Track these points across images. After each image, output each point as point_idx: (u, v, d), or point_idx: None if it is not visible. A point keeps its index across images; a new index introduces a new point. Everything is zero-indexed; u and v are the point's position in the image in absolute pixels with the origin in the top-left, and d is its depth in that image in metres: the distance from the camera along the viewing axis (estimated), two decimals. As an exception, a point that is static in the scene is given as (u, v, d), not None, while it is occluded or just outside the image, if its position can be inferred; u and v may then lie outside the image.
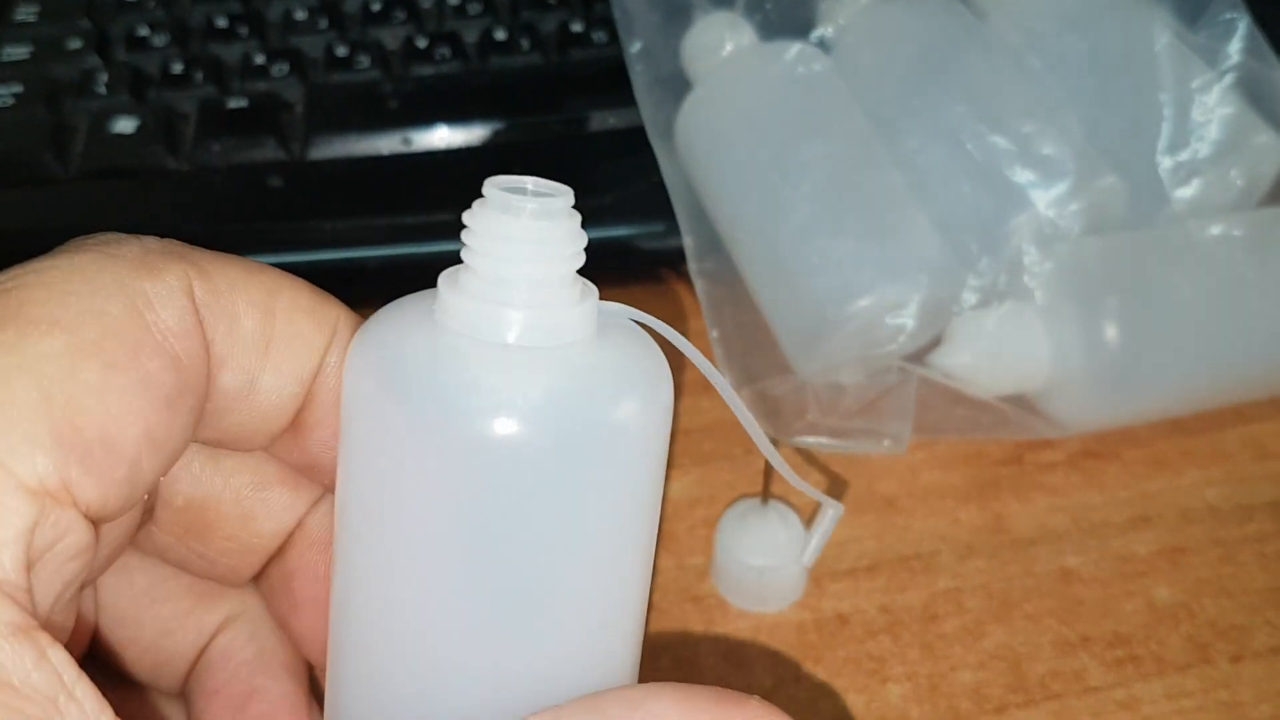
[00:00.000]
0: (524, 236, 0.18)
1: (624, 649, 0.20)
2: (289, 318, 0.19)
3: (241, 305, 0.19)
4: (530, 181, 0.19)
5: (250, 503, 0.22)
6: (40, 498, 0.15)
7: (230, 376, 0.19)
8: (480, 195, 0.19)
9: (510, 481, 0.17)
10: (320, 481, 0.22)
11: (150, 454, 0.17)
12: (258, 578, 0.23)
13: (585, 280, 0.20)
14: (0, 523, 0.15)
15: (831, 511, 0.28)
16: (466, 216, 0.19)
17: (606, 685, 0.18)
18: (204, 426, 0.19)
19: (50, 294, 0.17)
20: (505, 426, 0.17)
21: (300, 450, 0.21)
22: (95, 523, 0.17)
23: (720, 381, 0.21)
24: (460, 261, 0.19)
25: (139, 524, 0.21)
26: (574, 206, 0.19)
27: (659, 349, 0.20)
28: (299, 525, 0.22)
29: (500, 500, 0.18)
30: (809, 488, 0.24)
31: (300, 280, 0.20)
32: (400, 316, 0.19)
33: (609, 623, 0.19)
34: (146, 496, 0.19)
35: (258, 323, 0.19)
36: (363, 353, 0.19)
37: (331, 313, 0.20)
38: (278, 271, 0.20)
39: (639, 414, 0.18)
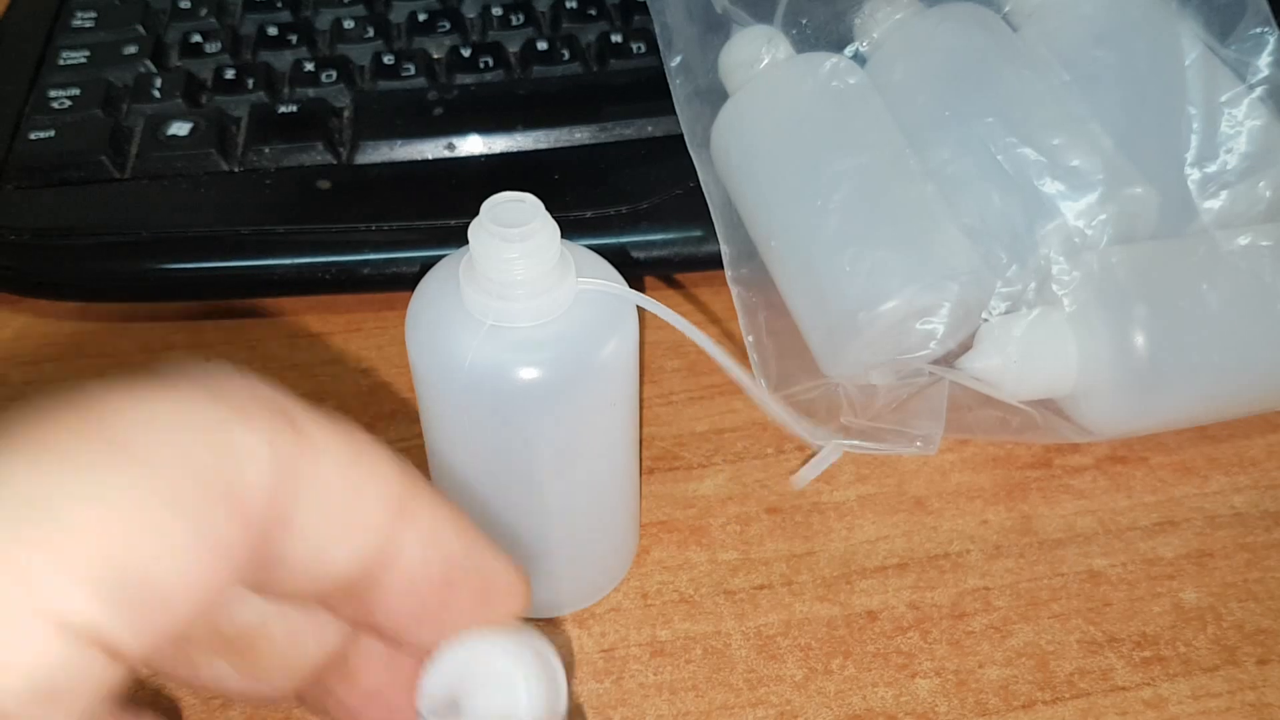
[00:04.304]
0: (515, 255, 0.25)
1: (627, 496, 0.32)
2: (374, 500, 0.18)
3: (328, 478, 0.17)
4: (527, 198, 0.26)
5: (299, 624, 0.20)
6: (67, 635, 0.14)
7: (296, 548, 0.17)
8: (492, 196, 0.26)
9: (534, 413, 0.27)
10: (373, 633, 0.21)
11: (194, 609, 0.16)
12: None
13: (564, 251, 0.26)
14: (15, 650, 0.14)
15: (829, 447, 0.32)
16: (472, 231, 0.25)
17: (612, 512, 0.31)
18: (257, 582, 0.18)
19: (139, 422, 0.15)
20: (529, 375, 0.26)
21: (355, 613, 0.19)
22: (119, 667, 0.15)
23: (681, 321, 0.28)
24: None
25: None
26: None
27: (626, 295, 0.28)
28: (343, 657, 0.21)
29: (531, 421, 0.27)
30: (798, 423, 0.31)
31: (385, 451, 0.18)
32: (439, 301, 0.27)
33: (616, 482, 0.31)
34: None
35: (338, 500, 0.17)
36: (418, 338, 0.27)
37: (417, 502, 0.18)
38: (367, 439, 0.18)
39: (610, 352, 0.27)
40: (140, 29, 0.47)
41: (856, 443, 0.35)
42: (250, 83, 0.44)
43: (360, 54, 0.46)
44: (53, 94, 0.44)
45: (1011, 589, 0.33)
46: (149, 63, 0.45)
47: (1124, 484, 0.35)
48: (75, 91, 0.44)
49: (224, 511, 0.16)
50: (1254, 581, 0.33)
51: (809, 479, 0.32)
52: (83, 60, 0.46)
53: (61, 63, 0.46)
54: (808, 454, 0.36)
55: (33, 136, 0.42)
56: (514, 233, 0.25)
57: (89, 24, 0.48)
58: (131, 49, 0.46)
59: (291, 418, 0.17)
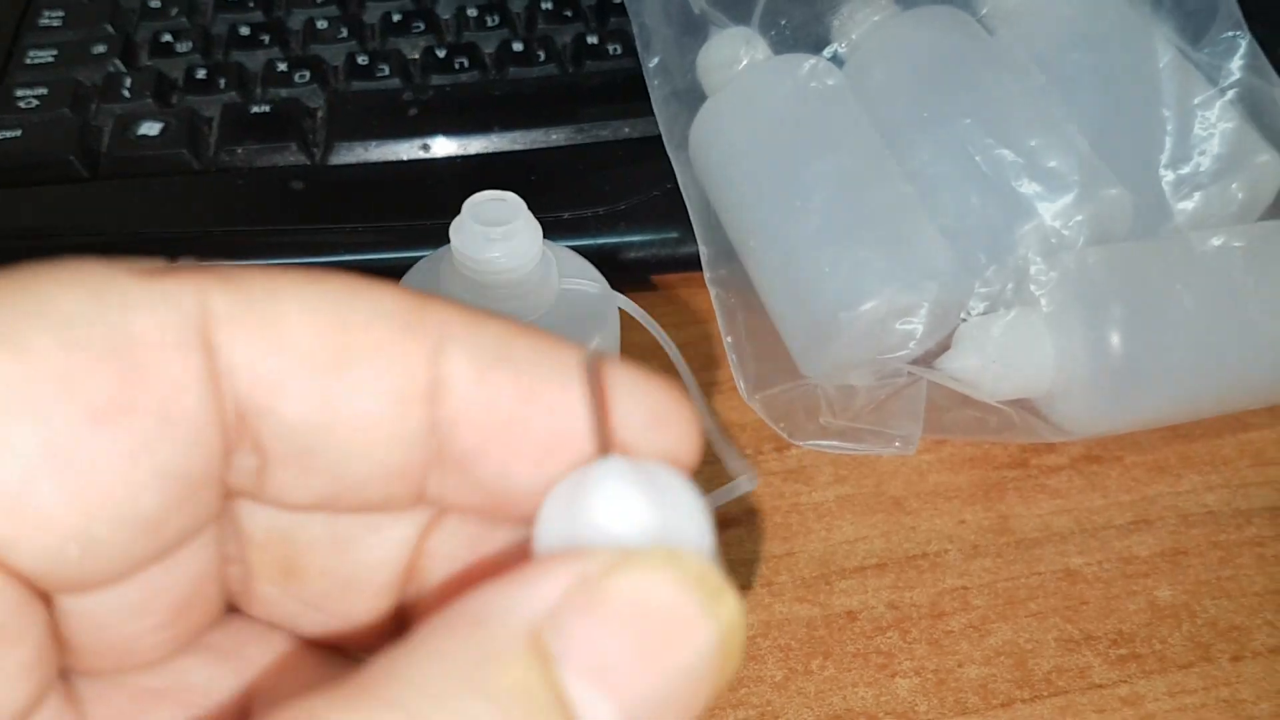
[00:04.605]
0: (498, 254, 0.25)
1: None
2: (369, 325, 0.14)
3: (292, 314, 0.14)
4: (509, 197, 0.26)
5: (342, 523, 0.16)
6: None
7: (295, 405, 0.14)
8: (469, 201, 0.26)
9: None
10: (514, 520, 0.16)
11: (65, 490, 0.13)
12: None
13: (546, 251, 0.27)
14: None
15: (745, 478, 0.32)
16: (454, 230, 0.25)
17: None
18: (294, 482, 0.15)
19: None
20: None
21: (473, 493, 0.16)
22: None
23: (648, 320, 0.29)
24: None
25: (229, 582, 0.16)
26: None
27: (608, 295, 0.28)
28: (419, 552, 0.17)
29: None
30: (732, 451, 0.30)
31: (392, 285, 0.15)
32: None
33: None
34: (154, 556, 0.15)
35: (320, 333, 0.14)
36: None
37: (434, 317, 0.15)
38: (358, 278, 0.15)
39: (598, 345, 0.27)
40: (109, 28, 0.46)
41: (835, 443, 0.35)
42: (222, 82, 0.44)
43: (334, 54, 0.45)
44: (19, 93, 0.43)
45: (989, 588, 0.33)
46: (118, 62, 0.45)
47: (1099, 483, 0.35)
48: (43, 91, 0.43)
49: (93, 359, 0.13)
50: (1226, 579, 0.33)
51: (715, 504, 0.33)
52: (50, 59, 0.45)
53: (28, 61, 0.45)
54: (786, 456, 0.36)
55: (-1, 136, 0.42)
56: (497, 231, 0.24)
57: (57, 23, 0.47)
58: (100, 48, 0.45)
59: (225, 275, 0.14)
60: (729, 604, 0.13)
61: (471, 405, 0.15)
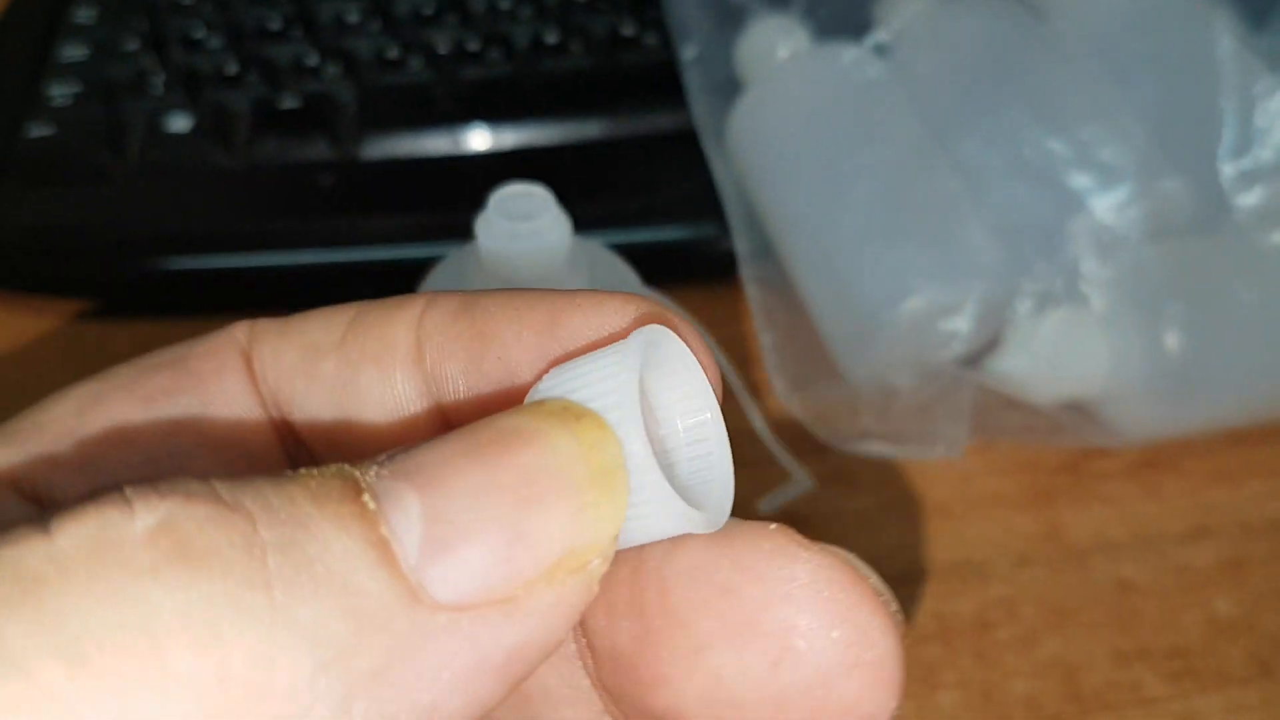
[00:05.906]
0: (525, 249, 0.24)
1: None
2: (366, 312, 0.17)
3: (309, 319, 0.17)
4: (536, 190, 0.25)
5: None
6: None
7: (315, 391, 0.16)
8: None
9: None
10: None
11: (132, 455, 0.16)
12: None
13: (577, 246, 0.26)
14: None
15: (800, 479, 0.32)
16: (479, 224, 0.25)
17: None
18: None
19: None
20: None
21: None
22: None
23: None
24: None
25: None
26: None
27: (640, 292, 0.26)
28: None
29: None
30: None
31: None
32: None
33: None
34: None
35: (327, 328, 0.17)
36: None
37: (423, 295, 0.17)
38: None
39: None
40: (142, 24, 0.46)
41: (877, 446, 0.34)
42: (252, 78, 0.43)
43: (365, 47, 0.45)
44: (53, 91, 0.43)
45: (1038, 599, 0.31)
46: (150, 58, 0.44)
47: (1155, 490, 0.34)
48: (76, 88, 0.43)
49: (159, 376, 0.16)
50: (1290, 591, 0.32)
51: (773, 506, 0.32)
52: (84, 57, 0.45)
53: (63, 60, 0.45)
54: (826, 459, 0.35)
55: (33, 134, 0.41)
56: (523, 226, 0.24)
57: (90, 21, 0.47)
58: (133, 45, 0.45)
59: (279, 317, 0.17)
60: (589, 426, 0.13)
61: (443, 352, 0.16)
